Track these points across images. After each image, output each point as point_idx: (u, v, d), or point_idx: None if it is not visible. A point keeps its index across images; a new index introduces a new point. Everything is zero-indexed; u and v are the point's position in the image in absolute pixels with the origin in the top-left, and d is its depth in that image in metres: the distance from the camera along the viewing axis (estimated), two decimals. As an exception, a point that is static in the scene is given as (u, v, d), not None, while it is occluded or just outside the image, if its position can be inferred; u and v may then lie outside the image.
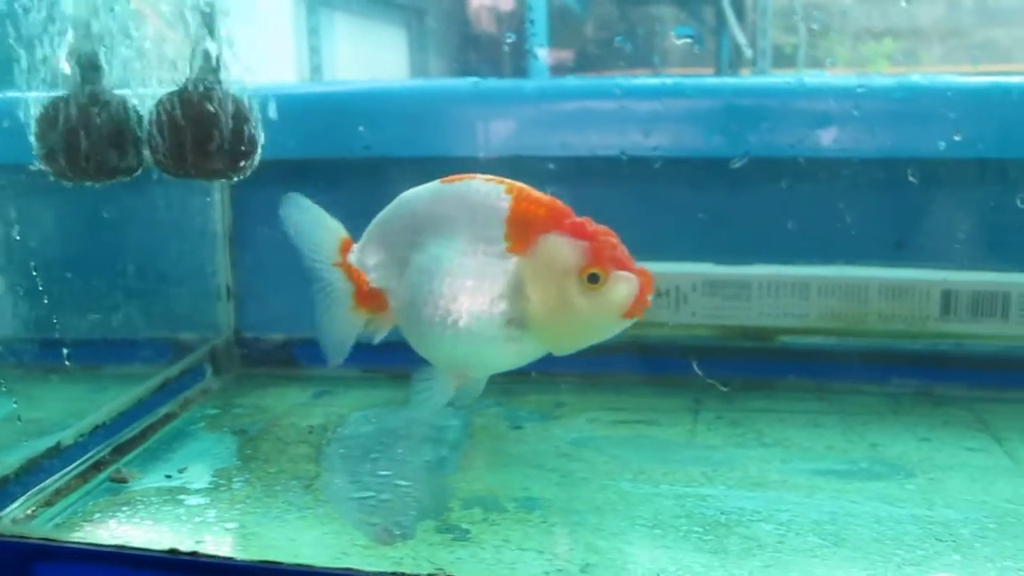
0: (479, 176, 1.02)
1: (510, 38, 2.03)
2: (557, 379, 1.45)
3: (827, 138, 1.41)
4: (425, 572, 0.88)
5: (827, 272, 1.42)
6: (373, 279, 1.08)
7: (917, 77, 1.42)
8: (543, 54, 3.46)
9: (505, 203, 1.00)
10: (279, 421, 1.31)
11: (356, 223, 1.42)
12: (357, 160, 1.46)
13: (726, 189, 1.44)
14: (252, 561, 0.89)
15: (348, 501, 1.07)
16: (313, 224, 1.11)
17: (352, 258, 1.09)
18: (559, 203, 1.00)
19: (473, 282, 1.00)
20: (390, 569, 0.88)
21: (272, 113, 1.25)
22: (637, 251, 1.37)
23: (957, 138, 1.38)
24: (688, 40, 1.45)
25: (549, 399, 1.38)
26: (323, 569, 0.87)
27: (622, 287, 0.97)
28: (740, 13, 4.36)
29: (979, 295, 1.40)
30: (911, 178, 1.41)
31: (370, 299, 1.09)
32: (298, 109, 1.42)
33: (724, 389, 1.35)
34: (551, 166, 1.44)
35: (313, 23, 4.32)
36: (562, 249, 0.98)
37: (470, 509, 1.05)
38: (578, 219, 0.98)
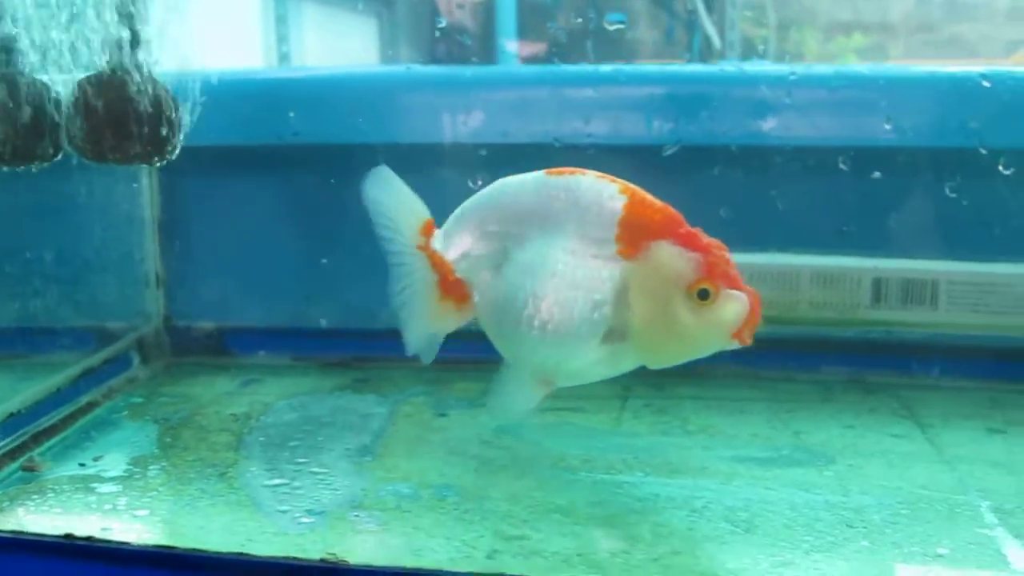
0: (589, 171, 0.96)
1: (440, 23, 2.01)
2: (489, 367, 1.44)
3: (762, 126, 1.39)
4: (317, 557, 0.86)
5: (758, 260, 1.41)
6: (460, 269, 1.01)
7: (855, 66, 1.42)
8: (512, 44, 3.46)
9: (619, 203, 0.94)
10: (203, 410, 1.29)
11: (287, 209, 1.41)
12: (287, 147, 1.44)
13: (659, 177, 1.42)
14: (146, 546, 0.88)
15: (261, 488, 1.06)
16: (396, 202, 1.03)
17: (436, 244, 1.02)
18: (672, 209, 0.94)
19: (579, 285, 0.93)
20: (289, 554, 0.86)
21: (200, 98, 1.22)
22: None
23: (887, 127, 1.37)
24: (620, 26, 1.43)
25: (478, 387, 1.37)
26: (215, 554, 0.86)
27: (733, 307, 0.91)
28: (711, 5, 4.35)
29: (909, 283, 1.40)
30: (842, 166, 1.39)
31: (453, 290, 1.02)
32: (229, 95, 1.41)
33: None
34: (483, 152, 1.43)
35: (281, 12, 4.29)
36: (675, 259, 0.91)
37: (383, 496, 1.04)
38: (691, 229, 0.93)
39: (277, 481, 1.08)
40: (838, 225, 1.41)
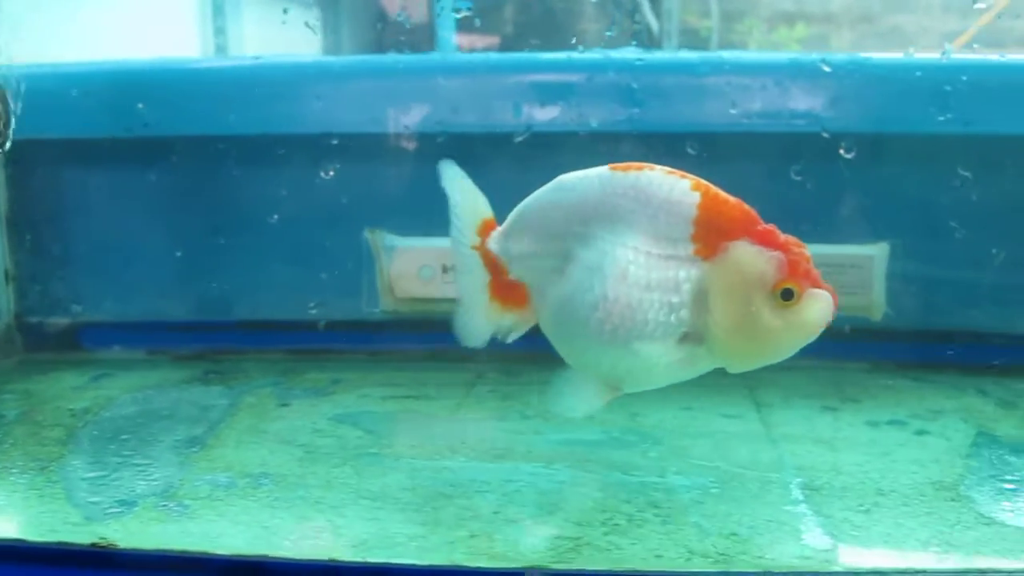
0: (656, 166, 0.90)
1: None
2: (341, 356, 1.44)
3: (607, 113, 1.40)
4: (87, 542, 0.86)
5: (611, 245, 1.42)
6: (515, 271, 0.95)
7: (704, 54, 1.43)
8: (452, 34, 3.44)
9: (692, 201, 0.87)
10: (44, 405, 1.28)
11: (140, 202, 1.40)
12: (138, 139, 1.43)
13: (511, 163, 1.43)
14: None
15: (78, 481, 1.05)
16: (459, 198, 0.98)
17: (492, 244, 0.96)
18: (746, 205, 0.88)
19: (654, 287, 0.87)
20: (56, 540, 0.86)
21: (21, 89, 1.21)
22: (429, 229, 1.37)
23: (733, 111, 1.38)
24: (467, 13, 1.44)
25: (327, 376, 1.37)
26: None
27: (819, 307, 0.86)
28: None
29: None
30: (690, 150, 1.40)
31: (507, 292, 0.96)
32: (75, 87, 1.39)
33: None
34: (334, 142, 1.42)
35: (219, 2, 4.24)
36: (756, 259, 0.86)
37: (198, 486, 1.03)
38: (767, 225, 0.87)
39: (96, 473, 1.07)
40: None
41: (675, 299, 0.87)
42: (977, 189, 1.37)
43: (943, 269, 1.41)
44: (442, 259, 1.42)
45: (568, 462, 1.09)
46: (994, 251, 1.40)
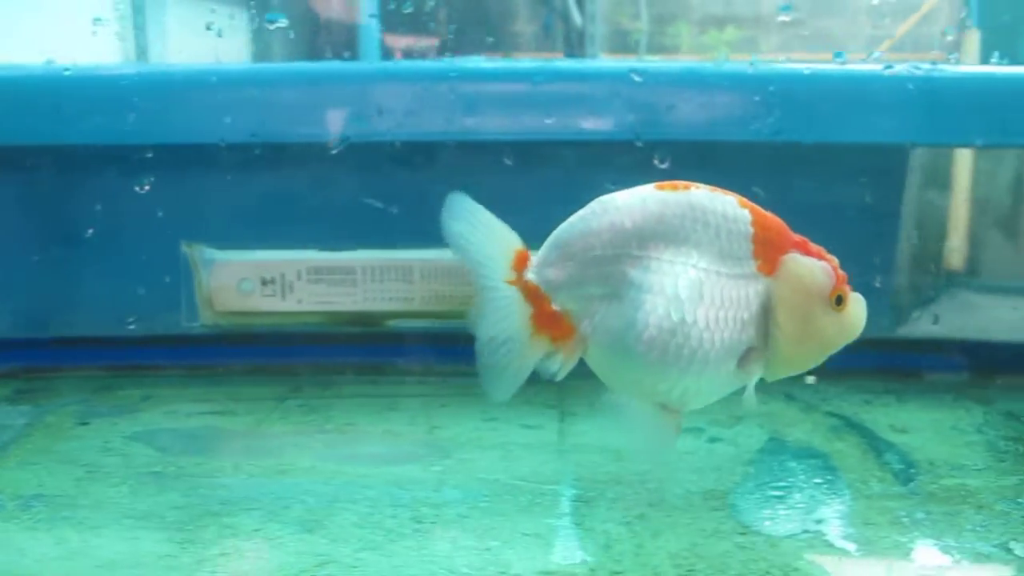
0: (698, 184, 0.89)
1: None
2: (159, 372, 1.43)
3: (420, 122, 1.40)
4: None
5: (430, 255, 1.42)
6: (561, 300, 0.88)
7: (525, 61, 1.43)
8: (376, 37, 3.42)
9: (746, 218, 0.87)
10: None
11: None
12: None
13: (328, 174, 1.43)
14: None
15: None
16: (482, 232, 0.89)
17: (532, 275, 0.88)
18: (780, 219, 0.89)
19: (728, 306, 0.86)
20: None
21: None
22: (247, 242, 1.36)
23: (548, 120, 1.39)
24: (281, 25, 1.43)
25: (140, 393, 1.36)
26: None
27: (861, 307, 0.89)
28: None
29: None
30: (506, 160, 1.41)
31: (553, 324, 0.89)
32: None
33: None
34: (149, 154, 1.41)
35: (138, 3, 4.17)
36: (813, 271, 0.88)
37: (-38, 509, 1.01)
38: (801, 237, 0.89)
39: None
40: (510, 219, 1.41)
41: (746, 316, 0.87)
42: (812, 198, 1.39)
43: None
44: (261, 272, 1.41)
45: (348, 477, 1.09)
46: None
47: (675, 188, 0.88)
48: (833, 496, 1.05)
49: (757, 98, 1.37)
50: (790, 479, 1.08)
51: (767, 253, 0.88)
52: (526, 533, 0.95)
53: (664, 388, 0.88)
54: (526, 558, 0.91)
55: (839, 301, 0.88)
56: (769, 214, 0.89)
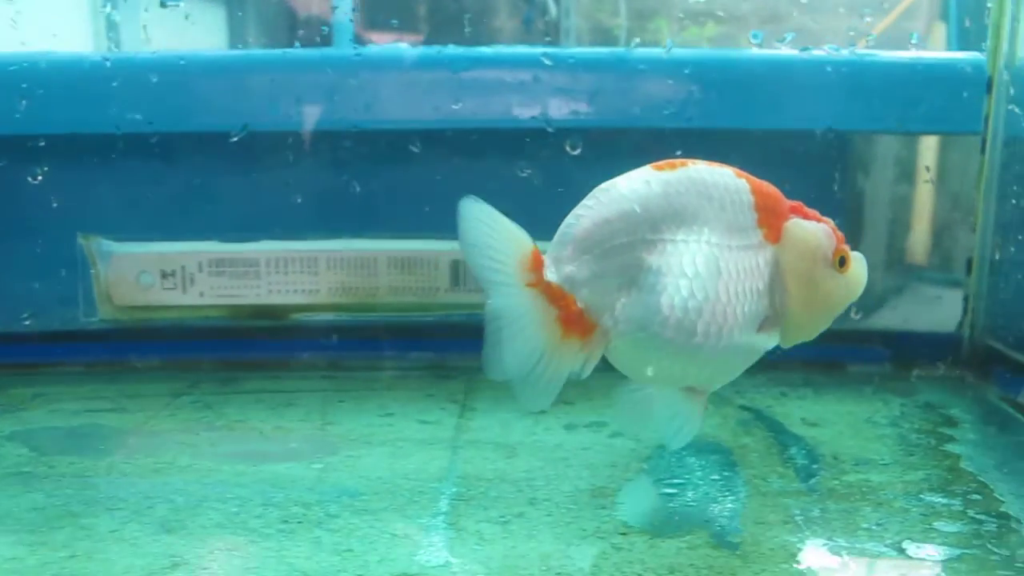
0: (695, 160, 0.88)
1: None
2: (55, 369, 1.38)
3: (321, 111, 1.35)
4: None
5: (335, 246, 1.37)
6: (584, 296, 0.84)
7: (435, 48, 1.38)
8: (348, 26, 3.38)
9: (745, 187, 0.87)
10: None
11: None
12: None
13: (229, 164, 1.38)
14: None
15: None
16: (493, 235, 0.84)
17: (552, 275, 0.83)
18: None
19: (743, 278, 0.86)
20: None
21: None
22: (146, 233, 1.31)
23: (455, 107, 1.34)
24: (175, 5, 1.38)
25: (31, 392, 1.31)
26: None
27: (863, 265, 0.92)
28: None
29: (487, 265, 1.37)
30: (413, 148, 1.36)
31: (577, 323, 0.85)
32: None
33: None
34: (42, 143, 1.36)
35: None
36: (815, 234, 0.89)
37: None
38: (795, 202, 0.91)
39: None
40: (418, 208, 1.37)
41: (760, 286, 0.87)
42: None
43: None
44: (161, 265, 1.36)
45: (224, 475, 1.05)
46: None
47: (673, 167, 0.86)
48: (727, 493, 1.00)
49: (671, 83, 1.32)
50: (686, 476, 1.04)
51: (770, 221, 0.88)
52: (394, 534, 0.91)
53: (692, 371, 0.88)
54: (387, 560, 0.86)
55: (842, 262, 0.90)
56: (763, 181, 0.89)
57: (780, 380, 1.35)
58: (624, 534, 0.91)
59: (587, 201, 0.85)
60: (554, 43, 3.91)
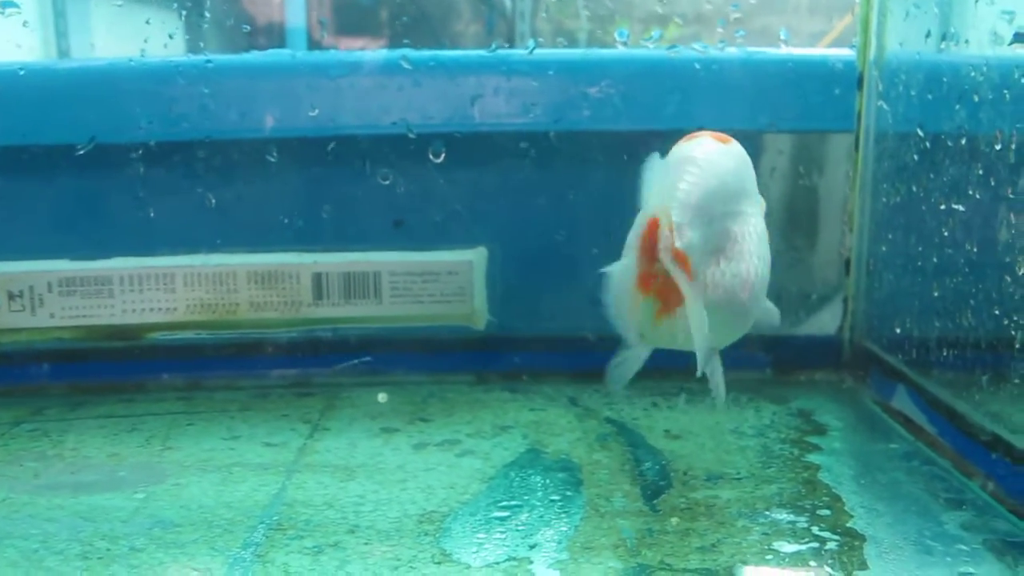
0: (715, 133, 0.91)
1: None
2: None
3: (171, 119, 1.29)
4: None
5: (192, 261, 1.31)
6: (694, 263, 0.85)
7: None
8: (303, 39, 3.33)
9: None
10: None
11: None
12: None
13: (77, 177, 1.31)
14: None
15: None
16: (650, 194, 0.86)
17: (682, 243, 0.84)
18: None
19: (766, 245, 0.94)
20: None
21: None
22: None
23: (312, 114, 1.29)
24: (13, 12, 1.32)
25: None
26: None
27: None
28: None
29: (350, 276, 1.32)
30: (270, 157, 1.30)
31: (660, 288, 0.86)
32: None
33: None
34: None
35: (60, 7, 4.04)
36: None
37: None
38: None
39: None
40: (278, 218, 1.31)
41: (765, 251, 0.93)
42: (573, 188, 1.30)
43: (544, 272, 1.33)
44: (8, 285, 1.31)
45: (35, 510, 0.99)
46: (595, 251, 1.31)
47: (725, 140, 0.90)
48: (563, 516, 0.95)
49: (535, 84, 1.27)
50: (525, 497, 0.99)
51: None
52: (195, 568, 0.85)
53: (739, 332, 0.94)
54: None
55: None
56: None
57: (654, 389, 1.30)
58: (439, 563, 0.86)
59: (690, 169, 0.85)
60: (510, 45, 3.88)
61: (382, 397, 1.24)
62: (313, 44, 3.56)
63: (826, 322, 1.35)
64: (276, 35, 3.47)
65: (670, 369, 1.27)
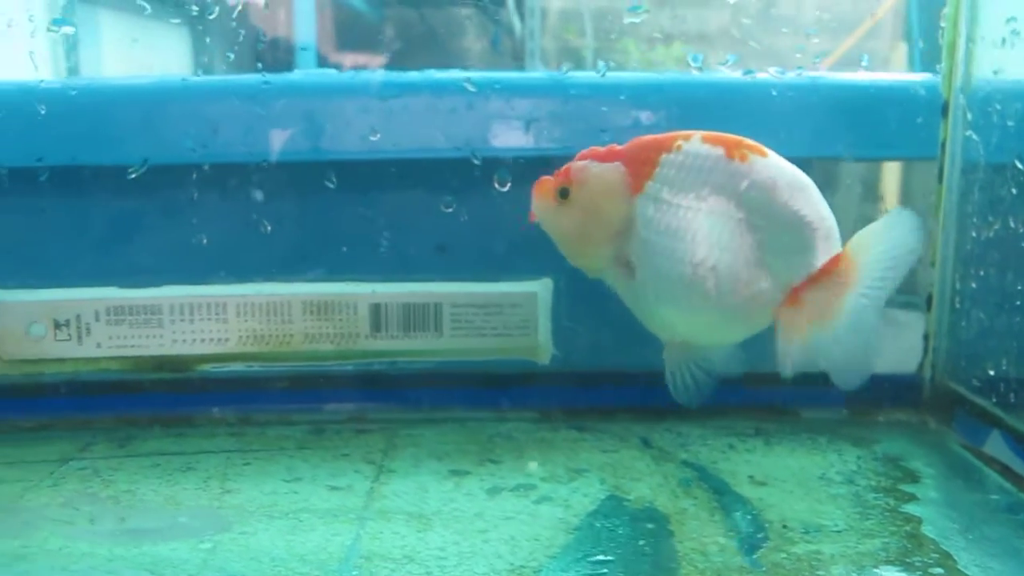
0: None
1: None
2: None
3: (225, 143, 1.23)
4: None
5: (246, 290, 1.25)
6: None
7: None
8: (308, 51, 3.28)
9: None
10: None
11: None
12: None
13: (128, 201, 1.25)
14: None
15: None
16: None
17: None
18: None
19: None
20: None
21: None
22: (35, 280, 1.18)
23: (374, 138, 1.22)
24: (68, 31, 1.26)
25: None
26: None
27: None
28: (522, 15, 4.33)
29: (410, 308, 1.25)
30: (328, 183, 1.24)
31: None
32: None
33: None
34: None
35: (69, 21, 4.00)
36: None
37: None
38: None
39: None
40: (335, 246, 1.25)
41: None
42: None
43: (610, 305, 1.27)
44: (53, 313, 1.24)
45: (96, 561, 0.94)
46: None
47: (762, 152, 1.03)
48: (656, 571, 0.88)
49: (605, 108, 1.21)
50: (615, 550, 0.93)
51: None
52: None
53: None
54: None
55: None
56: None
57: (729, 429, 1.24)
58: (541, 627, 0.79)
59: (814, 189, 1.01)
60: (519, 64, 3.83)
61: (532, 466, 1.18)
62: (321, 60, 3.51)
63: (905, 360, 1.29)
64: (284, 50, 3.42)
65: (743, 407, 1.22)
